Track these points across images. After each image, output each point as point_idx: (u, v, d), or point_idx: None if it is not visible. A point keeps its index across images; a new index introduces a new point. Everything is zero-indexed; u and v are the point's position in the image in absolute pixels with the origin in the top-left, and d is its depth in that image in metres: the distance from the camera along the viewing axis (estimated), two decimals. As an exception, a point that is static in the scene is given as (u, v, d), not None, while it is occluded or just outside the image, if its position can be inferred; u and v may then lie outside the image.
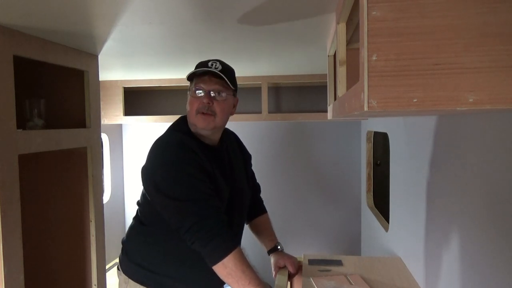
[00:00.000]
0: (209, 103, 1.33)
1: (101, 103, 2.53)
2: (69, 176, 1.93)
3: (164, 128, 1.48)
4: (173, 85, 3.11)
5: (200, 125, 1.34)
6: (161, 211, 1.31)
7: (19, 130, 1.41)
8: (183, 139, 1.34)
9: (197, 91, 1.34)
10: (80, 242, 1.94)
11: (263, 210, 1.70)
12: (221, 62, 1.37)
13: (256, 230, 1.67)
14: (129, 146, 3.67)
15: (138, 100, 3.50)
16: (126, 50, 1.85)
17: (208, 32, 1.52)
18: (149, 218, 1.42)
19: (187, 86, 3.40)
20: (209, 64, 1.35)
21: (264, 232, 1.65)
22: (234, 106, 1.46)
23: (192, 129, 1.40)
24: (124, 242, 1.51)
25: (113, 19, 1.31)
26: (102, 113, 3.06)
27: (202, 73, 1.33)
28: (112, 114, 3.16)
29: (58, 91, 1.89)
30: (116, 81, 3.11)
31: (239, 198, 1.48)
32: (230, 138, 1.58)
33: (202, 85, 1.34)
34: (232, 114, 1.44)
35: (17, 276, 1.40)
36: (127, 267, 1.45)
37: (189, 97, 1.38)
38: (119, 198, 3.67)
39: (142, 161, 1.41)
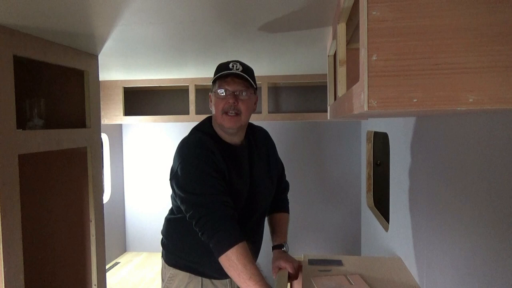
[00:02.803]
0: (235, 103, 1.39)
1: (101, 103, 2.53)
2: (69, 176, 1.93)
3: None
4: (173, 85, 3.11)
5: (227, 124, 1.41)
6: (180, 205, 1.40)
7: (19, 130, 1.41)
8: (202, 138, 1.42)
9: (221, 92, 1.40)
10: (80, 242, 1.94)
11: (285, 209, 1.74)
12: (241, 63, 1.43)
13: (270, 224, 1.70)
14: (129, 146, 3.67)
15: (138, 100, 3.50)
16: (126, 50, 1.85)
17: (207, 32, 1.52)
18: (178, 210, 1.51)
19: (187, 86, 3.38)
20: (230, 65, 1.40)
21: (277, 228, 1.67)
22: (255, 103, 1.52)
23: (218, 128, 1.47)
24: (162, 232, 1.63)
25: (113, 19, 1.31)
26: (102, 113, 3.07)
27: (226, 75, 1.40)
28: (112, 114, 3.16)
29: (58, 91, 1.89)
30: (116, 81, 3.11)
31: (258, 197, 1.52)
32: (257, 135, 1.63)
33: (226, 87, 1.40)
34: (254, 110, 1.51)
35: (17, 276, 1.40)
36: (165, 253, 1.60)
37: (213, 99, 1.44)
38: (119, 198, 3.67)
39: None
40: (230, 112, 1.39)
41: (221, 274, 1.47)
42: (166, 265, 1.57)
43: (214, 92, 1.43)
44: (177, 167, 1.40)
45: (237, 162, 1.47)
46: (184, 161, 1.39)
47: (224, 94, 1.40)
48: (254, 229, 1.56)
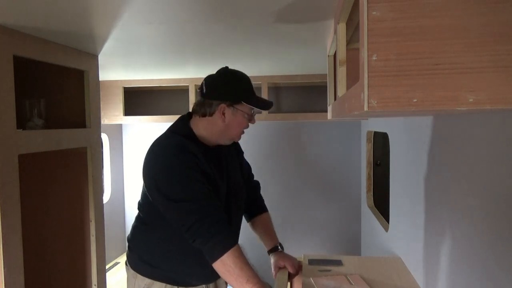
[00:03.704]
0: None
1: (101, 103, 2.53)
2: (69, 176, 1.93)
3: (164, 128, 1.49)
4: (173, 85, 3.10)
5: (238, 139, 1.51)
6: (163, 212, 1.34)
7: (19, 130, 1.41)
8: (183, 142, 1.36)
9: (252, 115, 1.44)
10: (80, 242, 1.94)
11: (264, 209, 1.72)
12: None
13: (256, 229, 1.68)
14: (129, 146, 3.67)
15: (138, 100, 3.50)
16: (126, 50, 1.85)
17: (207, 32, 1.52)
18: (151, 219, 1.46)
19: (187, 86, 3.36)
20: (254, 88, 1.45)
21: (265, 231, 1.66)
22: None
23: (203, 131, 1.42)
24: (129, 241, 1.55)
25: (113, 19, 1.31)
26: (102, 113, 3.06)
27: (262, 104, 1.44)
28: (112, 114, 3.16)
29: (58, 91, 1.89)
30: (116, 81, 3.10)
31: (236, 196, 1.52)
32: None
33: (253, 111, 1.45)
34: None
35: (17, 276, 1.40)
36: (135, 264, 1.50)
37: (238, 118, 1.40)
38: (119, 198, 3.67)
39: (142, 161, 1.43)
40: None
41: (199, 280, 1.48)
42: (138, 275, 1.47)
43: (242, 111, 1.39)
44: (157, 173, 1.34)
45: (217, 163, 1.44)
46: (167, 166, 1.32)
47: (251, 117, 1.44)
48: (235, 230, 1.55)
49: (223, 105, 1.38)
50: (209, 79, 1.43)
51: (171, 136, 1.41)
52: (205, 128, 1.43)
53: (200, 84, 1.46)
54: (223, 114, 1.39)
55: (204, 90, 1.40)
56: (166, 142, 1.40)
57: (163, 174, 1.32)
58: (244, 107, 1.40)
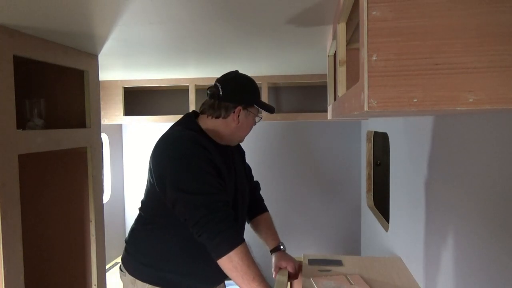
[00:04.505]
0: None
1: (101, 103, 2.53)
2: (69, 176, 1.93)
3: (164, 128, 1.48)
4: (173, 85, 3.11)
5: (242, 141, 1.57)
6: (172, 205, 1.32)
7: (19, 130, 1.41)
8: (195, 136, 1.36)
9: (259, 118, 1.52)
10: (80, 242, 1.94)
11: (264, 209, 1.72)
12: None
13: (258, 229, 1.68)
14: (129, 146, 3.67)
15: (138, 100, 3.50)
16: (126, 50, 1.85)
17: (207, 32, 1.52)
18: (154, 217, 1.43)
19: (187, 86, 3.37)
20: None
21: (267, 231, 1.66)
22: None
23: (212, 128, 1.44)
24: (127, 243, 1.51)
25: (113, 19, 1.31)
26: (102, 113, 3.06)
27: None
28: (112, 114, 3.16)
29: (58, 91, 1.89)
30: (116, 81, 3.11)
31: (241, 194, 1.52)
32: None
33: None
34: None
35: (17, 276, 1.40)
36: (133, 268, 1.45)
37: (249, 120, 1.47)
38: (119, 198, 3.67)
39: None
40: None
41: (203, 282, 1.46)
42: (137, 281, 1.41)
43: (253, 113, 1.47)
44: (169, 164, 1.32)
45: (226, 160, 1.44)
46: (180, 158, 1.31)
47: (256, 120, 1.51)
48: (241, 227, 1.54)
49: (239, 107, 1.42)
50: (224, 82, 1.43)
51: (183, 130, 1.41)
52: (216, 129, 1.44)
53: (208, 85, 1.48)
54: (238, 116, 1.43)
55: (221, 93, 1.41)
56: (179, 135, 1.39)
57: (176, 165, 1.31)
58: (255, 109, 1.48)
